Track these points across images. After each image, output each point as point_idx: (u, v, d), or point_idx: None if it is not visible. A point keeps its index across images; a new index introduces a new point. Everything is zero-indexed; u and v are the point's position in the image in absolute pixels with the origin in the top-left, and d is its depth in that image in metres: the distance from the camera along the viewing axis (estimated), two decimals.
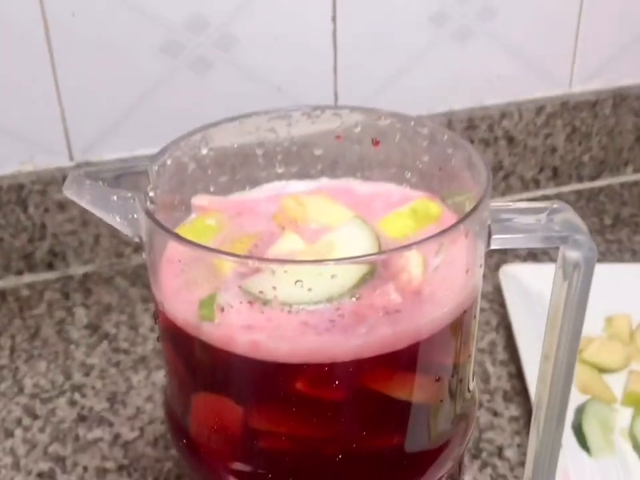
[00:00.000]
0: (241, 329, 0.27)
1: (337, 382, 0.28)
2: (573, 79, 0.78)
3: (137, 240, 0.30)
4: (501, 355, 0.59)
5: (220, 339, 0.28)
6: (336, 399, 0.28)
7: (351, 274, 0.28)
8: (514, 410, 0.54)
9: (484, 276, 0.33)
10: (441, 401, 0.31)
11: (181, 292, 0.29)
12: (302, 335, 0.27)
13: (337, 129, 0.36)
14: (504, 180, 0.79)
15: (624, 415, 0.52)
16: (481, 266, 0.30)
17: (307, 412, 0.28)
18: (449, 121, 0.74)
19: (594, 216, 0.77)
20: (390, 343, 0.28)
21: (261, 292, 0.27)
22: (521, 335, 0.58)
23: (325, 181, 0.37)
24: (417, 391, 0.29)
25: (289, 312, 0.27)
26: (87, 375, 0.58)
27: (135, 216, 0.30)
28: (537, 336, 0.57)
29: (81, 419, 0.54)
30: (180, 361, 0.31)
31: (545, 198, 0.80)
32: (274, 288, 0.26)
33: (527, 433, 0.52)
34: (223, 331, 0.28)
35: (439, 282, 0.28)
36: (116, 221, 0.30)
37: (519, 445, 0.52)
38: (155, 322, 0.31)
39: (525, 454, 0.51)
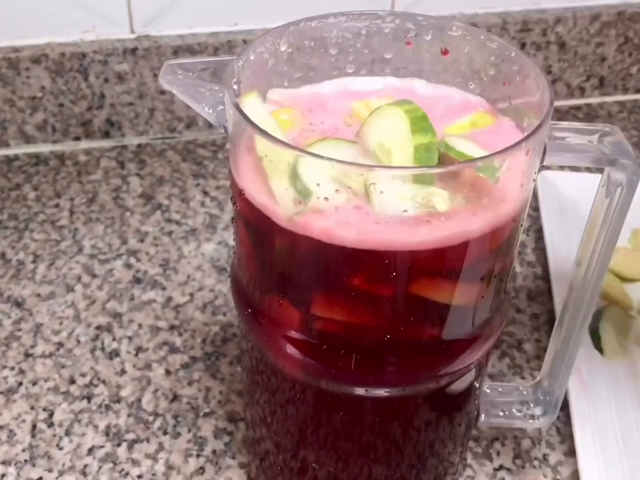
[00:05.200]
0: (314, 217, 0.31)
1: (394, 273, 0.31)
2: None
3: (221, 130, 0.33)
4: (530, 256, 0.63)
5: (296, 224, 0.31)
6: (392, 287, 0.32)
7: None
8: (536, 308, 0.58)
9: None
10: (482, 297, 0.34)
11: (260, 180, 0.32)
12: (367, 226, 0.30)
13: (409, 35, 0.38)
14: None
15: (639, 322, 0.55)
16: (534, 180, 0.33)
17: (366, 297, 0.32)
18: (504, 21, 0.75)
19: (634, 129, 0.78)
20: (444, 242, 0.31)
21: (336, 190, 0.30)
22: (552, 239, 0.61)
23: (390, 79, 0.39)
24: (462, 287, 0.33)
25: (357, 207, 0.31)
26: (141, 241, 0.62)
27: (222, 107, 0.33)
28: (566, 242, 0.61)
29: (136, 280, 0.59)
30: (253, 240, 0.34)
31: (589, 107, 0.81)
32: (349, 187, 0.30)
33: (546, 330, 0.56)
34: (299, 217, 0.31)
35: (495, 193, 0.31)
36: (204, 111, 0.33)
37: (536, 340, 0.55)
38: (233, 205, 0.34)
39: (541, 348, 0.55)
